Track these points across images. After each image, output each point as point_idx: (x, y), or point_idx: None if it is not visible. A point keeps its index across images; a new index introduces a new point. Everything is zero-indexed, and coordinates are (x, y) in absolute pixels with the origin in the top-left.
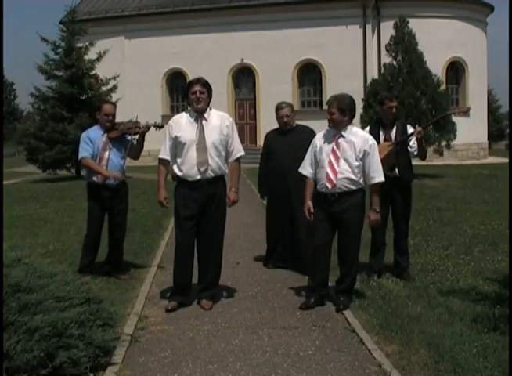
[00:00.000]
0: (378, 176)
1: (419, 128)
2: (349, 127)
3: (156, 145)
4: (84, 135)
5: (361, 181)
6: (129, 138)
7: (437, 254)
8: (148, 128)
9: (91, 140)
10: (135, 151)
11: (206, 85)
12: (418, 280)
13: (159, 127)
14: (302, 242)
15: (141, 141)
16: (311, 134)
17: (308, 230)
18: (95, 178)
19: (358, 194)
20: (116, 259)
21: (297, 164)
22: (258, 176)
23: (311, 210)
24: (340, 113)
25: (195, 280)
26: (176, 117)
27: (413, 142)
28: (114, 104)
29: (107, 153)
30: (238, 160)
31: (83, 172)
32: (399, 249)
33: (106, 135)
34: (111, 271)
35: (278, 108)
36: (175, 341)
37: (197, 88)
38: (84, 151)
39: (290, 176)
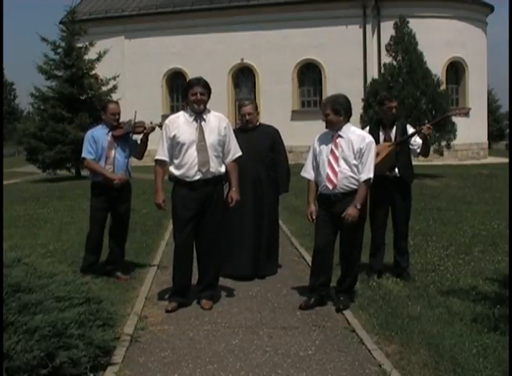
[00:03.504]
0: (366, 174)
1: (427, 125)
2: (346, 126)
3: (157, 145)
4: (88, 134)
5: None
6: (133, 137)
7: (437, 254)
8: (153, 128)
9: (96, 140)
10: (139, 151)
11: (206, 86)
12: (418, 280)
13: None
14: (259, 248)
15: (145, 141)
16: (275, 134)
17: (265, 236)
18: (101, 179)
19: None
20: (118, 261)
21: (256, 165)
22: None
23: (314, 215)
24: (335, 113)
25: (194, 280)
26: (172, 117)
27: (414, 140)
28: (117, 103)
29: (113, 151)
30: (236, 160)
31: (83, 172)
32: (399, 249)
33: (110, 133)
34: (111, 271)
35: (240, 105)
36: (175, 341)
37: (198, 89)
38: (87, 152)
39: (248, 178)
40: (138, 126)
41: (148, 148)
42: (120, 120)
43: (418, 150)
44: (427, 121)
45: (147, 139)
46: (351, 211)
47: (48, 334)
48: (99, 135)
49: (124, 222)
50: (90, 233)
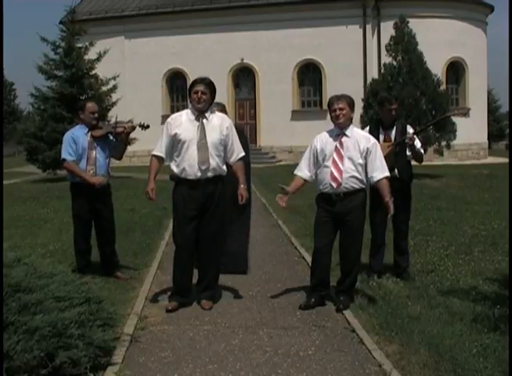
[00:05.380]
0: (381, 173)
1: (410, 135)
2: (350, 126)
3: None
4: (68, 135)
5: (364, 179)
6: (111, 137)
7: (437, 254)
8: (133, 128)
9: (75, 140)
10: (119, 151)
11: (210, 85)
12: (418, 280)
13: (145, 127)
14: (232, 253)
15: (125, 141)
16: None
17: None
18: (79, 179)
19: (362, 194)
20: (114, 261)
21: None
22: None
23: (283, 201)
24: (350, 108)
25: (194, 280)
26: (175, 115)
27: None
28: (95, 102)
29: (94, 152)
30: (240, 160)
31: (61, 173)
32: (399, 249)
33: (89, 133)
34: (111, 271)
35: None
36: (175, 341)
37: (200, 88)
38: (67, 154)
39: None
40: (120, 126)
41: (148, 148)
42: (121, 120)
43: (412, 156)
44: (412, 131)
45: (127, 139)
46: (391, 204)
47: (48, 334)
48: (78, 135)
49: (109, 224)
50: (76, 238)
